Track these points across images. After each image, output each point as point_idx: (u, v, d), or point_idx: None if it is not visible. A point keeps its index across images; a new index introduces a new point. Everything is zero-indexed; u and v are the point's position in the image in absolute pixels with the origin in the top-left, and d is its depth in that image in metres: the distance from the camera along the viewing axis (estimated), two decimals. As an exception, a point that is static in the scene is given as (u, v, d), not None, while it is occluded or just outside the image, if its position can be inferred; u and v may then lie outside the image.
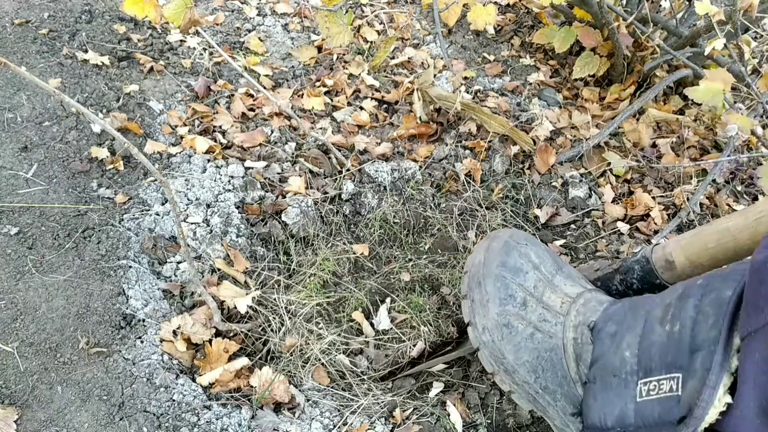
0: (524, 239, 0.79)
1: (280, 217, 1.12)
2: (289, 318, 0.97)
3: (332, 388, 0.91)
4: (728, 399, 0.49)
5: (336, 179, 1.21)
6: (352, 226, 1.18)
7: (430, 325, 0.99)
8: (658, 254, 0.72)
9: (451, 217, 1.17)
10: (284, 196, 1.16)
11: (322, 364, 0.93)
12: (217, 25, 1.60)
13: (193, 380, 0.86)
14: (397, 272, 1.07)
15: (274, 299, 0.99)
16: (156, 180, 1.13)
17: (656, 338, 0.58)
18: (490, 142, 1.29)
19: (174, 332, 0.89)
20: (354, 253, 1.10)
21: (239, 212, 1.11)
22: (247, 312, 0.97)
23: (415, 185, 1.21)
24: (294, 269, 1.07)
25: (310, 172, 1.22)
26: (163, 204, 1.09)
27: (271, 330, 0.96)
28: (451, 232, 1.15)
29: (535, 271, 0.75)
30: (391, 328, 1.00)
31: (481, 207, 1.20)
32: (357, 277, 1.09)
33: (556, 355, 0.69)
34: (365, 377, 0.94)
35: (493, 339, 0.72)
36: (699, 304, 0.55)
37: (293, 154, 1.26)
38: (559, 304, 0.72)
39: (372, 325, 1.01)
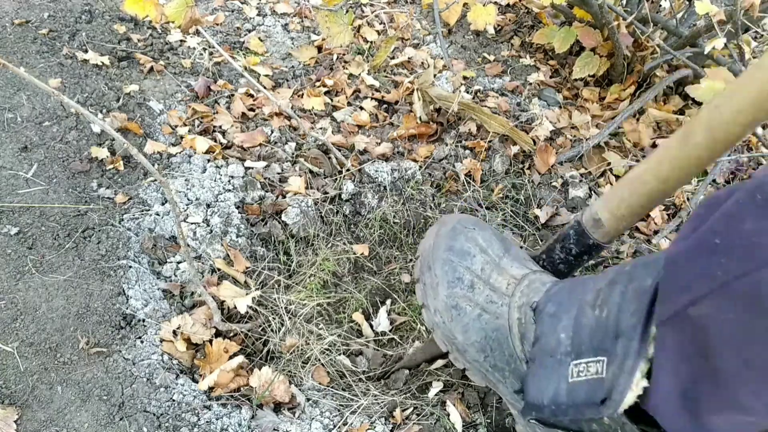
0: (472, 224, 0.82)
1: (280, 217, 1.12)
2: (289, 318, 0.97)
3: (332, 388, 0.91)
4: (645, 383, 0.52)
5: (336, 179, 1.21)
6: (352, 226, 1.18)
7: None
8: (587, 215, 0.73)
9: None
10: (284, 196, 1.16)
11: (322, 364, 0.93)
12: (217, 25, 1.60)
13: (193, 380, 0.86)
14: (397, 273, 1.07)
15: (275, 299, 0.99)
16: (156, 180, 1.13)
17: (587, 322, 0.61)
18: (490, 142, 1.29)
19: (174, 332, 0.89)
20: (354, 254, 1.10)
21: (239, 212, 1.11)
22: (247, 312, 0.97)
23: (415, 185, 1.21)
24: (294, 269, 1.07)
25: (310, 172, 1.22)
26: (163, 204, 1.09)
27: (271, 330, 0.96)
28: None
29: (482, 255, 0.78)
30: (391, 329, 1.00)
31: (481, 207, 1.20)
32: (357, 278, 1.09)
33: (503, 334, 0.72)
34: (365, 377, 0.94)
35: (444, 320, 0.76)
36: (624, 291, 0.58)
37: (293, 154, 1.26)
38: (505, 286, 0.75)
39: (372, 326, 1.01)
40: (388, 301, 1.04)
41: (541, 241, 1.19)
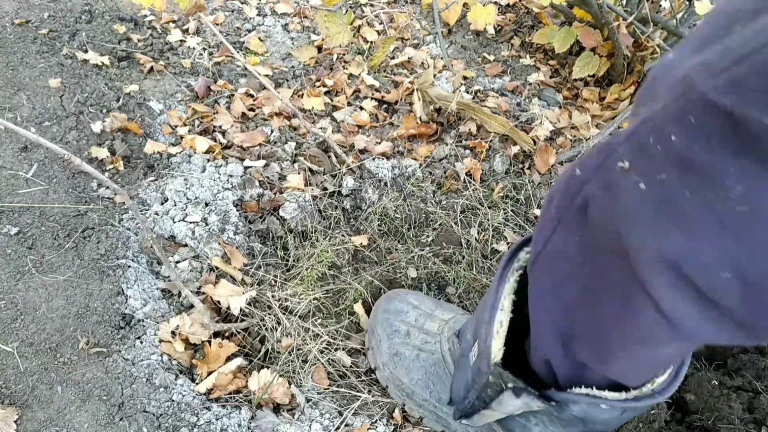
0: (404, 292, 0.96)
1: (278, 213, 1.12)
2: (287, 317, 0.97)
3: (332, 388, 0.91)
4: (505, 331, 0.59)
5: (335, 175, 1.21)
6: (351, 219, 1.18)
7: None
8: None
9: (453, 213, 1.17)
10: (282, 193, 1.16)
11: (322, 364, 0.93)
12: (217, 25, 1.60)
13: (193, 380, 0.86)
14: (404, 267, 1.07)
15: (272, 296, 0.99)
16: (156, 179, 1.13)
17: (481, 314, 0.66)
18: (490, 142, 1.29)
19: (173, 333, 0.89)
20: (353, 244, 1.09)
21: (237, 210, 1.11)
22: (244, 310, 0.97)
23: (415, 182, 1.21)
24: (292, 263, 1.07)
25: (310, 170, 1.22)
26: (162, 203, 1.09)
27: (267, 330, 0.96)
28: (453, 227, 1.15)
29: (415, 310, 0.89)
30: None
31: (482, 206, 1.20)
32: (357, 269, 1.09)
33: (440, 367, 0.80)
34: (366, 377, 0.94)
35: (390, 370, 0.85)
36: (498, 270, 0.64)
37: (293, 153, 1.26)
38: (436, 328, 0.85)
39: None
40: None
41: None
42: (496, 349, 0.59)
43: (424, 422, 0.84)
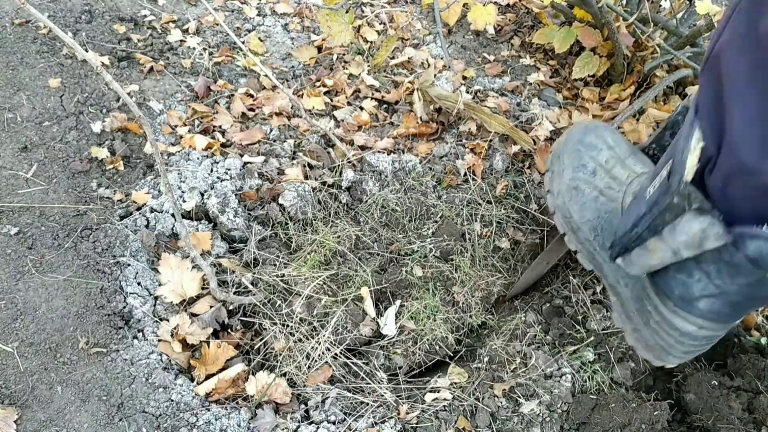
0: (603, 126, 0.89)
1: (277, 201, 1.12)
2: (288, 314, 0.97)
3: (337, 387, 0.91)
4: (701, 144, 0.56)
5: (334, 169, 1.21)
6: (351, 210, 1.18)
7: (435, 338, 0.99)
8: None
9: (454, 207, 1.17)
10: (281, 183, 1.16)
11: (326, 363, 0.93)
12: (217, 25, 1.60)
13: (192, 380, 0.86)
14: (410, 267, 1.06)
15: (276, 275, 0.99)
16: (155, 177, 1.13)
17: (662, 158, 0.66)
18: (490, 141, 1.29)
19: (171, 333, 0.89)
20: (354, 232, 1.09)
21: (236, 197, 1.11)
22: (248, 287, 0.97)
23: (416, 176, 1.21)
24: (295, 248, 1.08)
25: (309, 165, 1.22)
26: (155, 198, 1.09)
27: (267, 326, 0.96)
28: (455, 219, 1.15)
29: (609, 150, 0.85)
30: (400, 333, 0.99)
31: (483, 201, 1.19)
32: (360, 257, 1.08)
33: (614, 215, 0.78)
34: (369, 378, 0.94)
35: (564, 201, 0.84)
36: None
37: (292, 150, 1.26)
38: (624, 177, 0.81)
39: (377, 322, 1.01)
40: (398, 302, 1.03)
41: (540, 237, 1.19)
42: (691, 165, 0.56)
43: (578, 256, 0.85)
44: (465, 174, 1.24)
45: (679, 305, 0.68)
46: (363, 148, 1.28)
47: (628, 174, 0.81)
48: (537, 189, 1.24)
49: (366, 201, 1.17)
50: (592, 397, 0.88)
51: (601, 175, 0.83)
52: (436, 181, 1.23)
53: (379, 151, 1.26)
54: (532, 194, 1.23)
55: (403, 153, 1.28)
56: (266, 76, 1.41)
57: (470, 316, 1.03)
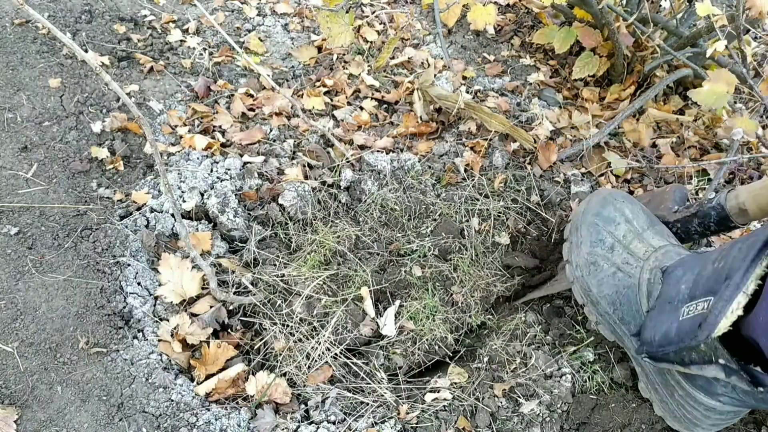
0: (621, 197, 0.91)
1: (277, 201, 1.12)
2: (288, 314, 0.97)
3: (337, 387, 0.91)
4: (740, 312, 0.59)
5: (334, 168, 1.21)
6: (351, 210, 1.18)
7: (434, 339, 0.99)
8: (732, 203, 0.83)
9: (453, 204, 1.17)
10: (281, 183, 1.16)
11: (326, 363, 0.93)
12: (218, 24, 1.60)
13: (192, 380, 0.86)
14: (410, 267, 1.06)
15: (276, 275, 0.99)
16: (155, 177, 1.13)
17: (706, 273, 0.68)
18: (490, 140, 1.29)
19: (171, 333, 0.89)
20: (354, 232, 1.09)
21: (236, 197, 1.11)
22: (248, 287, 0.97)
23: (414, 175, 1.21)
24: (295, 248, 1.08)
25: (308, 165, 1.22)
26: (155, 197, 1.09)
27: (267, 326, 0.96)
28: (453, 216, 1.15)
29: (627, 224, 0.87)
30: (399, 334, 0.99)
31: (481, 195, 1.19)
32: (360, 257, 1.08)
33: (632, 292, 0.81)
34: (369, 378, 0.94)
35: (583, 274, 0.87)
36: (741, 245, 0.64)
37: (292, 150, 1.26)
38: (642, 252, 0.83)
39: (377, 321, 1.01)
40: (397, 303, 1.03)
41: (545, 225, 1.18)
42: (723, 327, 0.59)
43: (599, 328, 0.88)
44: (464, 171, 1.24)
45: (701, 390, 0.72)
46: (363, 147, 1.28)
47: (646, 249, 0.84)
48: (539, 182, 1.23)
49: (365, 200, 1.17)
50: (592, 397, 0.88)
51: (619, 251, 0.85)
52: (435, 180, 1.23)
53: (377, 151, 1.26)
54: (534, 186, 1.22)
55: (402, 152, 1.28)
56: (259, 78, 1.41)
57: (469, 316, 1.03)
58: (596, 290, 0.85)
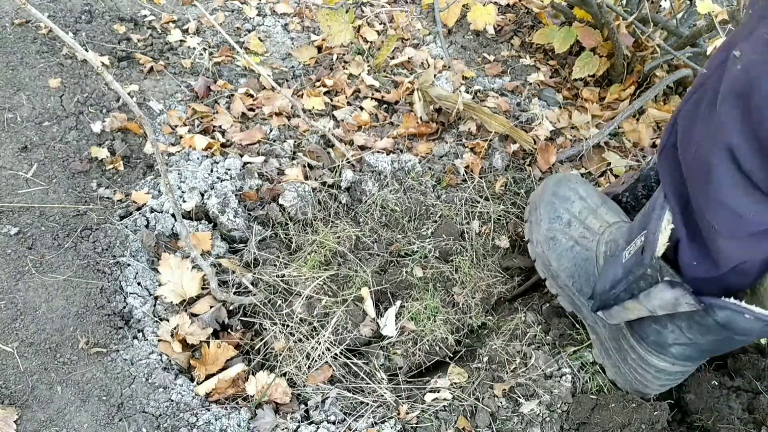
0: (575, 178, 0.97)
1: (277, 201, 1.12)
2: (288, 314, 0.97)
3: (337, 387, 0.91)
4: (671, 227, 0.64)
5: (334, 169, 1.21)
6: (351, 211, 1.18)
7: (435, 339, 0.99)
8: None
9: (453, 206, 1.17)
10: (281, 183, 1.16)
11: (326, 363, 0.93)
12: (218, 24, 1.60)
13: (192, 380, 0.86)
14: (411, 268, 1.06)
15: (276, 276, 0.99)
16: (155, 177, 1.13)
17: (636, 220, 0.74)
18: (490, 141, 1.29)
19: (171, 333, 0.89)
20: (353, 232, 1.09)
21: (236, 197, 1.11)
22: (248, 288, 0.97)
23: (415, 176, 1.21)
24: (295, 248, 1.08)
25: (309, 165, 1.22)
26: (155, 198, 1.09)
27: (267, 327, 0.95)
28: (454, 218, 1.15)
29: (581, 201, 0.92)
30: (400, 334, 0.99)
31: (482, 198, 1.19)
32: (360, 258, 1.08)
33: (590, 263, 0.85)
34: (369, 378, 0.94)
35: (543, 250, 0.92)
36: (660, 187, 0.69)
37: (292, 150, 1.26)
38: (597, 227, 0.88)
39: (378, 314, 1.00)
40: (398, 303, 1.03)
41: None
42: (661, 243, 0.64)
43: (558, 299, 0.92)
44: (464, 173, 1.24)
45: (653, 348, 0.76)
46: (363, 148, 1.28)
47: (600, 224, 0.89)
48: (538, 184, 1.23)
49: (365, 201, 1.17)
50: (592, 397, 0.88)
51: (576, 226, 0.90)
52: (435, 181, 1.23)
53: (378, 151, 1.26)
54: (534, 189, 1.22)
55: (403, 153, 1.28)
56: (259, 78, 1.41)
57: (470, 318, 1.03)
58: (556, 264, 0.90)
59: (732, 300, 0.61)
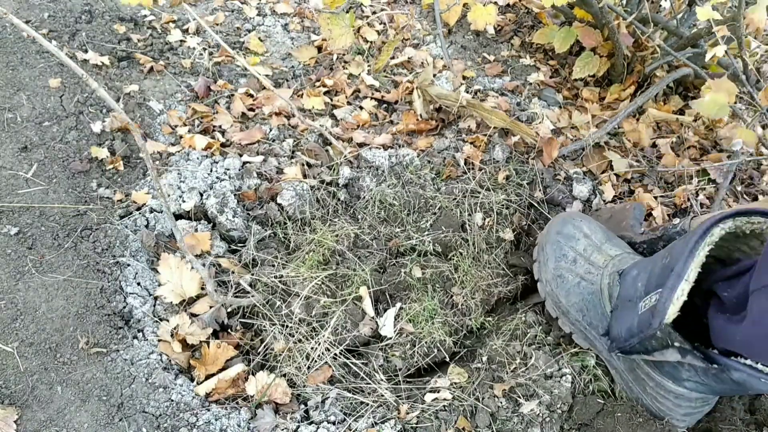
0: (579, 217, 1.01)
1: (276, 201, 1.12)
2: (287, 315, 0.97)
3: (337, 387, 0.91)
4: (684, 298, 0.66)
5: (332, 167, 1.21)
6: (349, 207, 1.18)
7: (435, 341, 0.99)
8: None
9: (453, 198, 1.16)
10: (279, 182, 1.16)
11: (326, 363, 0.93)
12: (217, 25, 1.60)
13: (192, 380, 0.86)
14: (410, 269, 1.06)
15: (274, 276, 0.99)
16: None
17: (656, 269, 0.74)
18: (490, 136, 1.29)
19: (171, 333, 0.89)
20: (352, 230, 1.09)
21: (235, 197, 1.11)
22: (246, 289, 0.97)
23: (413, 170, 1.20)
24: (293, 248, 1.08)
25: (307, 164, 1.22)
26: (155, 198, 1.09)
27: (266, 327, 0.95)
28: (454, 210, 1.14)
29: (586, 239, 0.96)
30: (398, 336, 0.99)
31: (482, 188, 1.18)
32: (359, 256, 1.08)
33: (596, 297, 0.89)
34: (369, 379, 0.94)
35: (552, 288, 0.95)
36: (683, 240, 0.71)
37: (291, 149, 1.26)
38: (602, 262, 0.92)
39: (376, 314, 1.00)
40: (398, 305, 1.03)
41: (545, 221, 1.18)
42: (672, 313, 0.66)
43: (573, 337, 0.94)
44: (464, 164, 1.23)
45: (668, 376, 0.78)
46: (362, 145, 1.28)
47: (604, 259, 0.92)
48: (542, 177, 1.23)
49: (363, 197, 1.17)
50: (599, 401, 0.88)
51: (581, 263, 0.93)
52: (434, 174, 1.22)
53: (375, 147, 1.25)
54: (537, 182, 1.21)
55: (401, 147, 1.28)
56: (258, 78, 1.41)
57: (470, 319, 1.02)
58: (565, 300, 0.92)
59: (748, 362, 0.62)
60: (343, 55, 1.56)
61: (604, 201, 1.23)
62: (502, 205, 1.17)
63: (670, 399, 0.79)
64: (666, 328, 0.66)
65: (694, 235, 0.68)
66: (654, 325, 0.68)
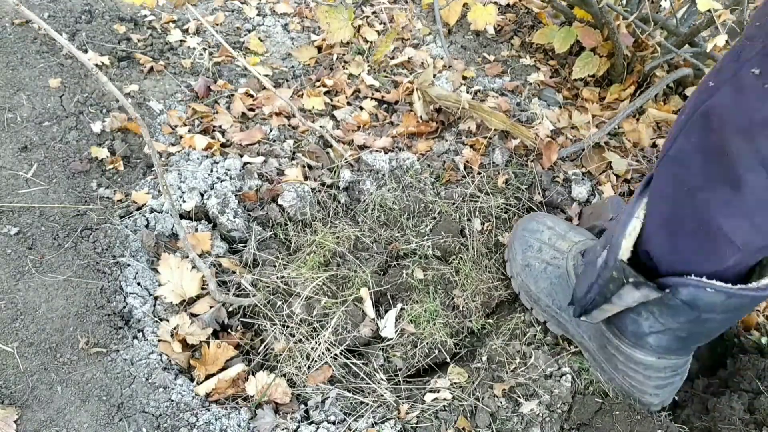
0: (542, 215, 1.06)
1: (277, 202, 1.12)
2: (288, 315, 0.97)
3: (337, 387, 0.91)
4: (636, 234, 0.69)
5: (333, 169, 1.21)
6: (350, 210, 1.18)
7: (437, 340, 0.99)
8: None
9: (453, 203, 1.17)
10: (280, 184, 1.16)
11: (326, 363, 0.93)
12: (217, 25, 1.60)
13: (192, 380, 0.86)
14: (412, 270, 1.06)
15: (275, 277, 0.99)
16: (155, 178, 1.13)
17: (612, 230, 0.76)
18: (489, 138, 1.29)
19: (171, 333, 0.89)
20: (352, 232, 1.09)
21: (236, 198, 1.11)
22: (247, 290, 0.97)
23: (413, 174, 1.21)
24: (294, 249, 1.08)
25: (308, 166, 1.22)
26: (155, 198, 1.09)
27: (267, 327, 0.95)
28: (453, 215, 1.14)
29: (549, 230, 1.00)
30: (399, 336, 0.99)
31: (482, 192, 1.19)
32: (360, 258, 1.08)
33: (563, 280, 0.91)
34: (369, 379, 0.94)
35: (522, 279, 0.98)
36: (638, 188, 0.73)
37: (291, 150, 1.26)
38: (565, 247, 0.95)
39: (378, 315, 1.00)
40: (399, 306, 1.03)
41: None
42: (625, 248, 0.69)
43: (548, 326, 0.96)
44: (464, 168, 1.23)
45: (632, 341, 0.79)
46: (362, 147, 1.28)
47: (569, 244, 0.96)
48: (541, 180, 1.23)
49: (364, 201, 1.17)
50: (597, 400, 0.88)
51: (546, 250, 0.97)
52: (434, 178, 1.23)
53: (376, 150, 1.26)
54: (537, 185, 1.22)
55: (401, 151, 1.28)
56: (258, 78, 1.41)
57: (470, 321, 1.02)
58: (534, 287, 0.96)
59: (692, 277, 0.64)
60: (343, 55, 1.56)
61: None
62: (502, 209, 1.17)
63: (640, 371, 0.81)
64: (621, 264, 0.68)
65: (640, 185, 0.71)
66: (609, 262, 0.70)
